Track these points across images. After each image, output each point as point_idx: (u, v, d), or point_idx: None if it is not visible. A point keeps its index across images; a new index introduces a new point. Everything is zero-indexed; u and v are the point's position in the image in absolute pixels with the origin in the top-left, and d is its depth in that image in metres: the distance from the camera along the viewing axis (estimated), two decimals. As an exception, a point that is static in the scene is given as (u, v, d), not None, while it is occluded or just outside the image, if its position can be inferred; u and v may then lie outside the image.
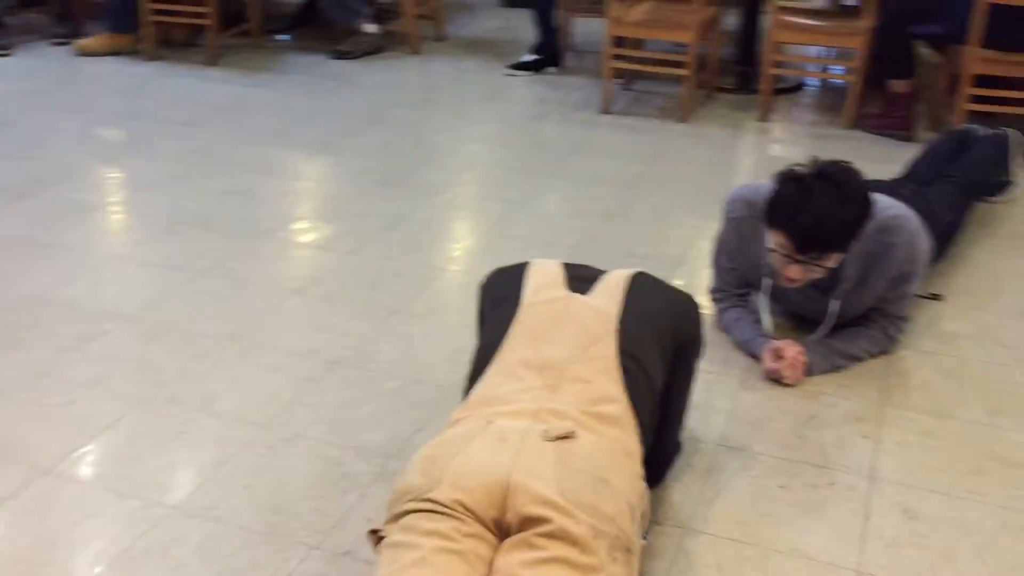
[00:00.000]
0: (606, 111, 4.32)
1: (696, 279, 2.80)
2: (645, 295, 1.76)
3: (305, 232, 3.10)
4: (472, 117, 4.25)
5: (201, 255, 2.93)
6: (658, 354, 1.71)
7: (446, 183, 3.51)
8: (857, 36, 3.99)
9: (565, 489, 1.38)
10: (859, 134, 4.08)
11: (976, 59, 3.63)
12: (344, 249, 2.98)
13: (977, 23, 3.55)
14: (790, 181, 2.11)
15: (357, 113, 4.27)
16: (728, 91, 4.65)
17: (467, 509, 1.38)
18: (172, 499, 1.92)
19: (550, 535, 1.33)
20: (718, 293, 2.55)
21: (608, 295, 1.75)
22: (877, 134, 4.05)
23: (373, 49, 5.22)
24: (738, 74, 4.80)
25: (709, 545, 1.80)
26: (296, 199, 3.37)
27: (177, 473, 1.99)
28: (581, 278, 1.81)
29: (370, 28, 5.22)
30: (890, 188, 2.61)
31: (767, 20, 4.22)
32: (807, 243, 2.08)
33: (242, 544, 1.81)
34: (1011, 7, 3.49)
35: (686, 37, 4.13)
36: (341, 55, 5.13)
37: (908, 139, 3.99)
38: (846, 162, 2.13)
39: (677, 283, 2.71)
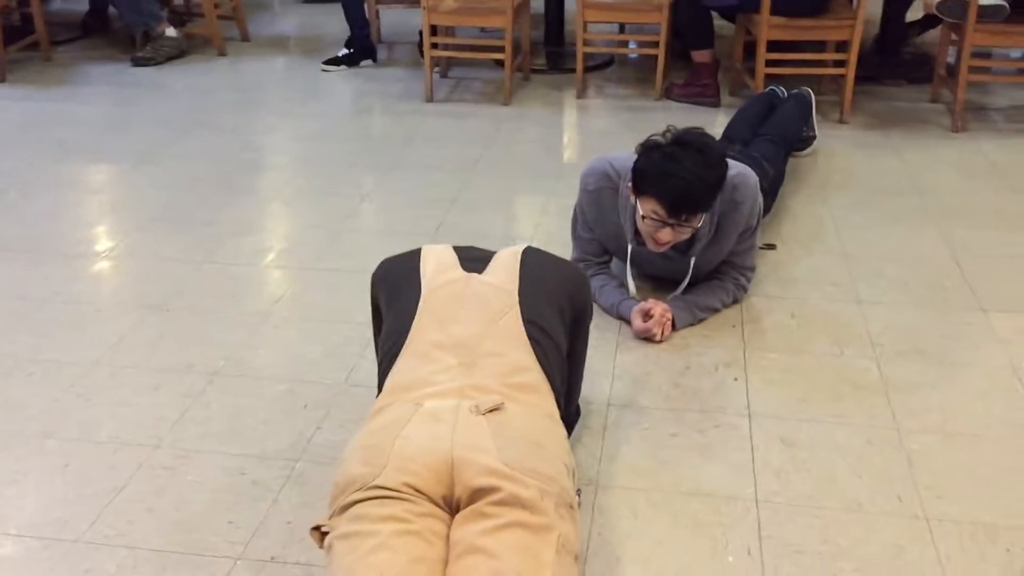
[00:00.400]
0: (430, 100, 4.37)
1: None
2: (538, 268, 1.84)
3: (151, 245, 2.99)
4: (297, 115, 4.20)
5: (39, 282, 2.78)
6: (559, 322, 1.80)
7: (287, 183, 3.47)
8: (658, 12, 4.22)
9: (507, 458, 1.44)
10: (671, 103, 4.33)
11: (769, 26, 3.93)
12: (197, 259, 2.90)
13: (767, -7, 3.84)
14: (654, 150, 2.24)
15: (175, 120, 4.13)
16: (542, 72, 4.81)
17: (416, 490, 1.42)
18: (73, 533, 1.84)
19: (501, 502, 1.39)
20: (580, 263, 2.66)
21: (504, 271, 1.82)
22: (687, 102, 4.32)
23: (176, 53, 5.05)
24: (550, 55, 4.97)
25: (620, 497, 1.91)
26: (132, 212, 3.23)
27: (72, 506, 1.91)
28: (474, 259, 1.87)
29: (170, 32, 5.04)
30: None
31: (573, 1, 4.38)
32: (678, 207, 2.22)
33: (160, 567, 1.76)
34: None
35: (501, 22, 4.24)
36: (143, 61, 4.93)
37: (715, 104, 4.27)
38: (700, 128, 2.29)
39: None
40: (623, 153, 2.60)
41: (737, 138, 3.29)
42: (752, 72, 4.13)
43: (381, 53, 5.04)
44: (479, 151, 3.77)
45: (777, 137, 3.25)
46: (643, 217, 2.29)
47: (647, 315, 2.44)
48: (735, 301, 2.60)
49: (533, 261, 1.85)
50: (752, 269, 2.61)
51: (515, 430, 1.50)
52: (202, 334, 2.50)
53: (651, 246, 2.37)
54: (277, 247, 2.98)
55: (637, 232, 2.45)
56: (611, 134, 3.97)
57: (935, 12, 3.96)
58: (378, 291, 1.92)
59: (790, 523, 1.83)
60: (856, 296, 2.66)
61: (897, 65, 4.72)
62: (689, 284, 2.55)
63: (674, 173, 2.19)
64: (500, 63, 4.67)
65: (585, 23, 4.31)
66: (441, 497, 1.43)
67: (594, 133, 4.00)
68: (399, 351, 1.71)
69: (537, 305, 1.77)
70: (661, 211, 2.24)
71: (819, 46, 4.28)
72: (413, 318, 1.74)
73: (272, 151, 3.79)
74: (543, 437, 1.53)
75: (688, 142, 2.23)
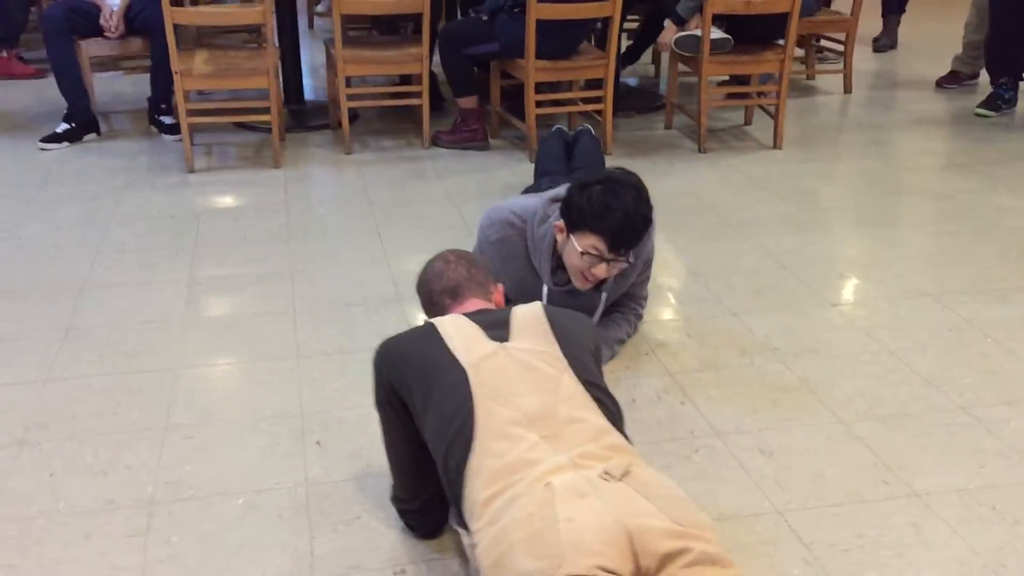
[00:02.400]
0: (192, 170, 4.04)
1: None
2: (565, 323, 1.80)
3: (-37, 373, 2.49)
4: (43, 202, 3.69)
5: None
6: (599, 372, 1.78)
7: (86, 277, 3.04)
8: (418, 62, 4.25)
9: (676, 517, 1.41)
10: (440, 151, 4.36)
11: (535, 69, 4.10)
12: (37, 379, 2.46)
13: (531, 39, 4.02)
14: (590, 187, 2.26)
15: None
16: (286, 131, 4.62)
17: (608, 571, 1.34)
18: None
19: (693, 563, 1.35)
20: (481, 317, 2.62)
21: (535, 334, 1.76)
22: (456, 147, 4.38)
23: None
24: (293, 112, 4.80)
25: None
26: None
27: None
28: (493, 324, 1.79)
29: None
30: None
31: (317, 55, 4.28)
32: (619, 240, 2.26)
33: None
34: (553, 21, 4.00)
35: (264, 82, 4.04)
36: None
37: (485, 148, 4.38)
38: (624, 168, 2.35)
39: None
40: (516, 199, 2.63)
41: (555, 173, 3.40)
42: (514, 113, 4.31)
43: (100, 124, 4.56)
44: (282, 219, 3.55)
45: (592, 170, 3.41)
46: (582, 253, 2.30)
47: (577, 357, 2.46)
48: (635, 330, 2.70)
49: (557, 318, 1.81)
50: (646, 298, 2.72)
51: (658, 488, 1.47)
52: (102, 463, 2.14)
53: (579, 284, 2.39)
54: (128, 350, 2.61)
55: (553, 272, 2.47)
56: (399, 185, 3.93)
57: (674, 48, 4.36)
58: (397, 376, 1.76)
59: (820, 525, 1.95)
60: (728, 308, 2.87)
61: (620, 97, 5.12)
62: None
63: (615, 207, 2.23)
64: (243, 125, 4.47)
65: (346, 77, 4.22)
66: (631, 573, 1.36)
67: (385, 186, 3.91)
68: (471, 436, 1.59)
69: (585, 363, 1.74)
70: (601, 246, 2.28)
71: (561, 85, 4.52)
72: (470, 399, 1.63)
73: (42, 243, 3.30)
74: (678, 489, 1.51)
75: (621, 179, 2.29)
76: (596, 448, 1.56)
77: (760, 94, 4.58)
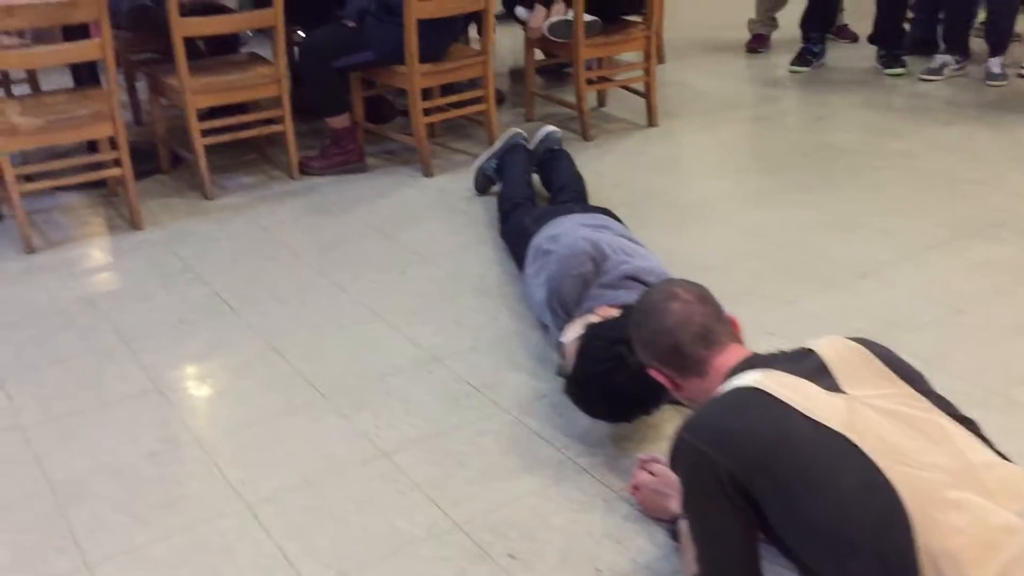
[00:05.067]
0: (33, 250, 3.24)
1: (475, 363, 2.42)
2: (890, 355, 1.54)
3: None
4: None
5: None
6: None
7: (43, 415, 2.30)
8: (276, 84, 3.70)
9: None
10: (314, 179, 3.84)
11: (420, 75, 3.69)
12: (80, 562, 1.79)
13: (412, 42, 3.61)
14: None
15: None
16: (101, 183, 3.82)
17: None
18: None
19: None
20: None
21: (871, 374, 1.48)
22: (332, 173, 3.88)
23: None
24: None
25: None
26: None
27: None
28: (812, 373, 1.48)
29: None
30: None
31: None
32: None
33: None
34: (429, 21, 3.62)
35: (108, 130, 3.30)
36: None
37: (363, 168, 3.92)
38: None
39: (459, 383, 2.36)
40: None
41: (574, 198, 3.13)
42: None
43: None
44: (204, 290, 2.91)
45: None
46: None
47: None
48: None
49: (883, 353, 1.54)
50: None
51: None
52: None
53: None
54: (147, 490, 1.98)
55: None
56: (307, 224, 3.40)
57: (547, 35, 4.12)
58: (740, 462, 1.41)
59: None
60: (781, 296, 2.72)
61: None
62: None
63: None
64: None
65: (198, 110, 3.58)
66: None
67: (292, 230, 3.34)
68: (904, 514, 1.29)
69: (938, 395, 1.50)
70: None
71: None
72: (878, 470, 1.33)
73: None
74: None
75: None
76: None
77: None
